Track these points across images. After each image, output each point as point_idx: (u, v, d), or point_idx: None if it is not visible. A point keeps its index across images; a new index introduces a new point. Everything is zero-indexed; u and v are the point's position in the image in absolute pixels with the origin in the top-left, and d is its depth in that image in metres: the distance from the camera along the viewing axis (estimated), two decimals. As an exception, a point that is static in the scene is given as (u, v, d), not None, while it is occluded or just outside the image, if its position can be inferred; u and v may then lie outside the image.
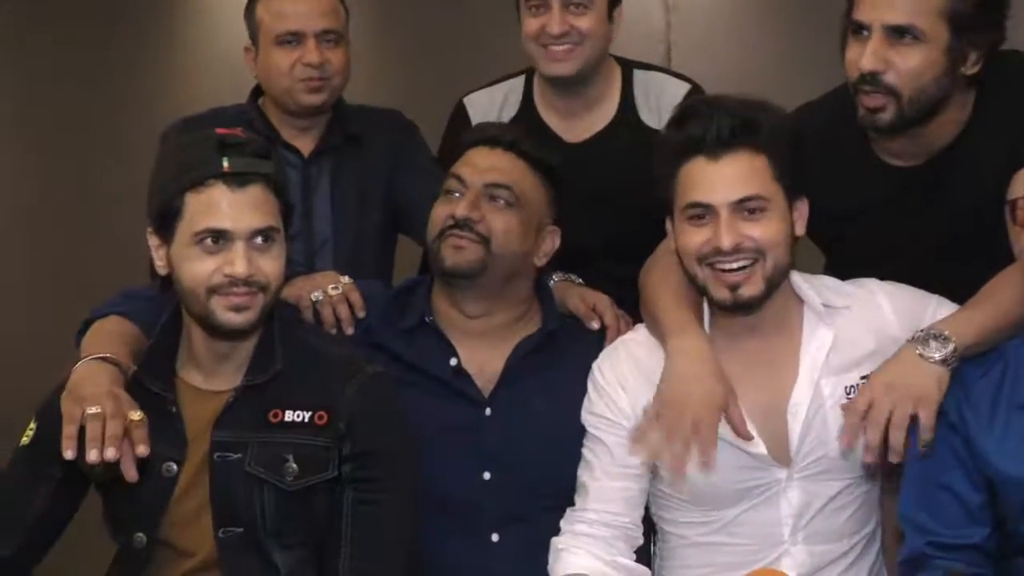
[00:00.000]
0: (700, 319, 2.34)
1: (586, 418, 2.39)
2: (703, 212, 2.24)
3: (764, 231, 2.23)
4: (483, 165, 2.52)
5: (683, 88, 2.98)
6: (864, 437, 2.22)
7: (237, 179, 2.19)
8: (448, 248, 2.48)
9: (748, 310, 2.28)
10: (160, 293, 2.35)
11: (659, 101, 2.95)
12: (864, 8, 2.38)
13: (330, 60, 2.89)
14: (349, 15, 2.99)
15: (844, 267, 2.55)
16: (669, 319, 2.34)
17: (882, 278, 2.43)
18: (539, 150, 2.58)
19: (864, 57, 2.36)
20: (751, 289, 2.24)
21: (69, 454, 2.12)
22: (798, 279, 2.37)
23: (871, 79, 2.36)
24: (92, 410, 2.14)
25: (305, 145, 2.97)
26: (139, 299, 2.44)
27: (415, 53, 4.92)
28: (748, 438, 2.25)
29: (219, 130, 2.28)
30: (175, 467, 2.26)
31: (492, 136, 2.58)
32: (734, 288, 2.24)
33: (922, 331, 2.25)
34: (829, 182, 2.37)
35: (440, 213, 2.52)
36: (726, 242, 2.21)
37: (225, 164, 2.19)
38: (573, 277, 2.69)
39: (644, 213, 2.75)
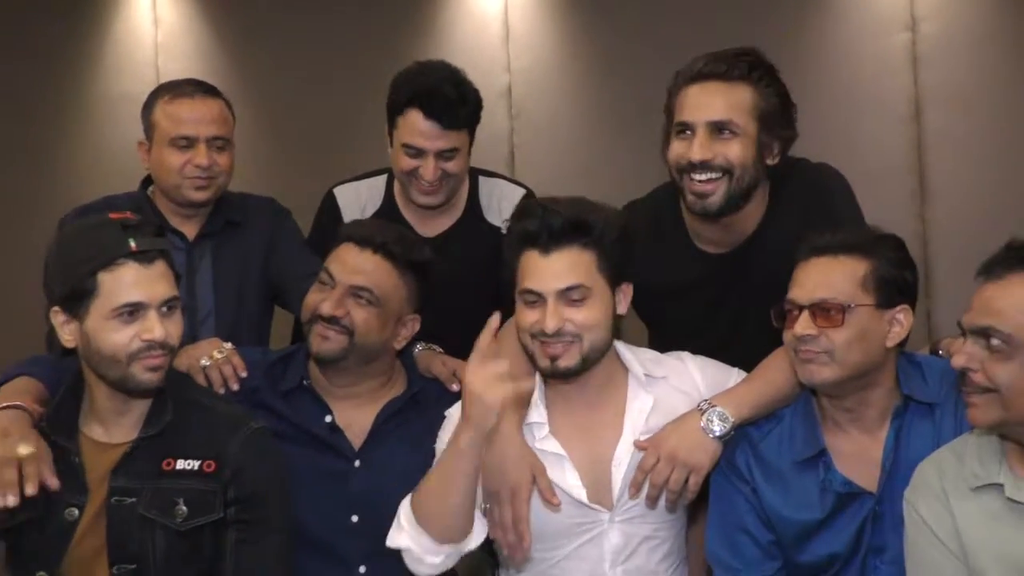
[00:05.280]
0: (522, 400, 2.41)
1: (438, 448, 2.46)
2: (535, 298, 2.37)
3: (585, 316, 2.36)
4: (351, 265, 2.59)
5: (519, 192, 3.14)
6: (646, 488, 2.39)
7: (145, 256, 2.26)
8: (316, 337, 2.59)
9: (565, 378, 2.41)
10: (59, 359, 2.40)
11: (500, 203, 3.11)
12: (688, 110, 2.55)
13: (217, 162, 2.98)
14: (236, 120, 3.07)
15: (665, 339, 2.69)
16: None
17: (696, 348, 2.58)
18: (407, 250, 2.63)
19: (693, 150, 2.53)
20: (567, 361, 2.37)
21: None
22: (624, 350, 2.51)
23: (701, 166, 2.53)
24: None
25: (190, 230, 3.03)
26: (42, 363, 2.49)
27: (295, 150, 5.03)
28: (555, 503, 2.34)
29: (112, 215, 2.32)
30: (76, 512, 2.29)
31: (364, 236, 2.62)
32: (553, 359, 2.37)
33: (708, 402, 2.40)
34: (654, 267, 2.49)
35: (312, 300, 2.61)
36: (550, 325, 2.34)
37: (132, 244, 2.25)
38: (435, 347, 2.80)
39: (487, 300, 2.87)
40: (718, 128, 2.52)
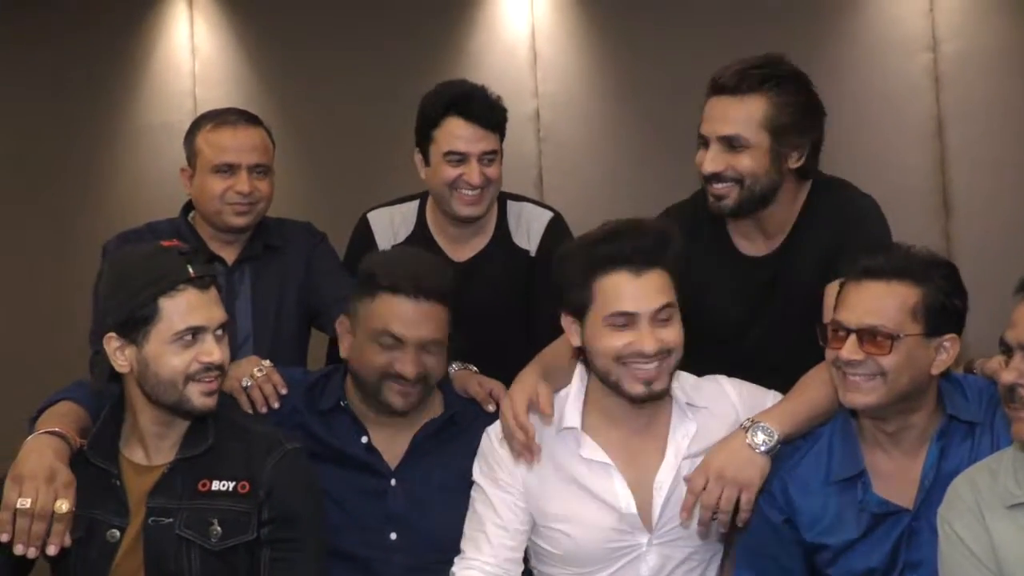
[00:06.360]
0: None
1: (476, 476, 2.48)
2: (626, 320, 2.32)
3: (674, 334, 2.35)
4: (413, 321, 2.52)
5: (547, 215, 3.12)
6: (698, 512, 2.35)
7: (202, 282, 2.28)
8: (395, 395, 2.54)
9: (657, 399, 2.38)
10: (104, 385, 2.38)
11: (528, 226, 3.09)
12: (704, 123, 2.60)
13: (258, 188, 2.98)
14: (276, 147, 3.08)
15: (698, 343, 2.58)
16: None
17: (728, 355, 2.57)
18: (445, 283, 2.57)
19: (706, 162, 2.57)
20: (661, 384, 2.35)
21: (4, 537, 2.19)
22: None
23: (715, 177, 2.56)
24: (22, 504, 2.19)
25: (229, 254, 3.03)
26: (85, 388, 2.48)
27: (330, 175, 5.06)
28: (548, 413, 2.38)
29: (164, 243, 2.34)
30: (118, 533, 2.30)
31: (414, 286, 2.51)
32: (648, 383, 2.33)
33: (751, 420, 2.37)
34: (692, 265, 2.47)
35: (380, 361, 2.53)
36: (649, 347, 2.30)
37: (191, 270, 2.26)
38: (470, 366, 2.79)
39: (519, 321, 2.87)
40: (728, 141, 2.54)
